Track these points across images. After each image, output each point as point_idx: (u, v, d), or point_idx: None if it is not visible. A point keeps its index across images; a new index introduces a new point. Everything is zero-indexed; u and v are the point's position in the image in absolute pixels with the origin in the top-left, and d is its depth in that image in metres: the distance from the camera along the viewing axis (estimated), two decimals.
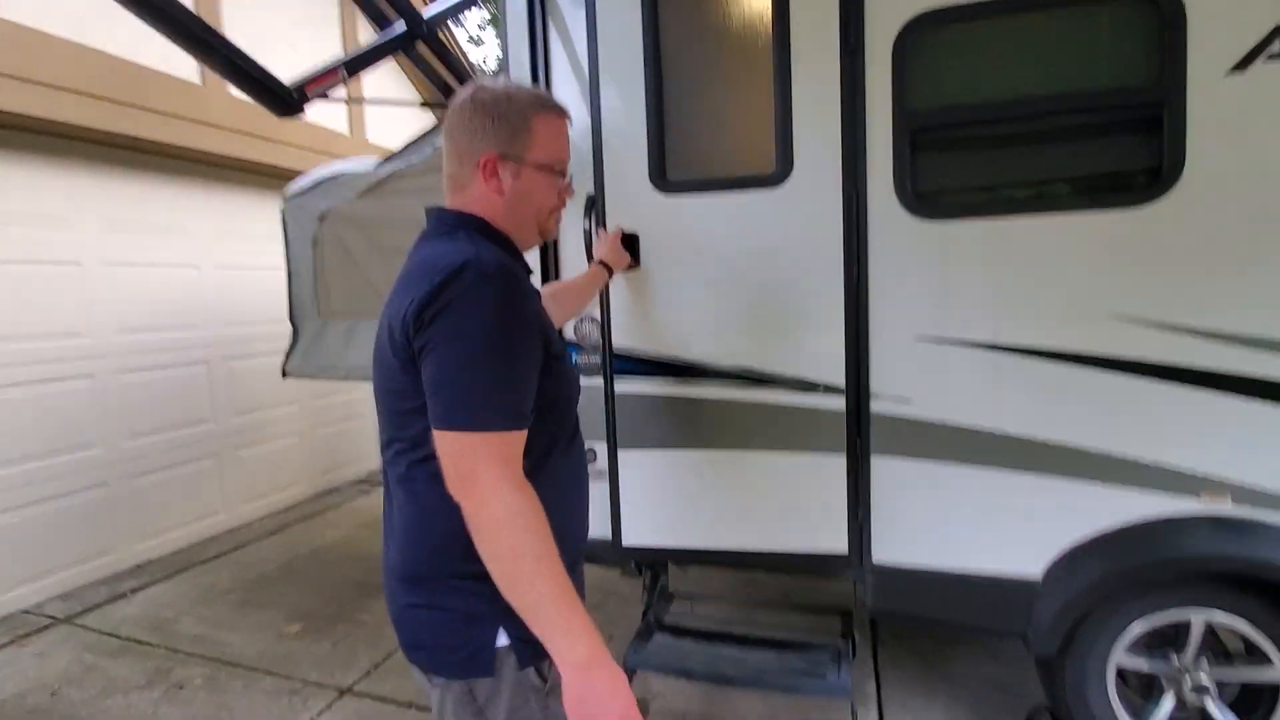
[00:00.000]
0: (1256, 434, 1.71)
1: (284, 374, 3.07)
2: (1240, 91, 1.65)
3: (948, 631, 2.71)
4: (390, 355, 0.99)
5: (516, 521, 0.91)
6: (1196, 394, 1.74)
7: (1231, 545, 1.75)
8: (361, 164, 3.06)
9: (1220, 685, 1.90)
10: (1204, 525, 1.77)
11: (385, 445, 1.07)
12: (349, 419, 5.32)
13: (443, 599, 1.01)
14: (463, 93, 1.07)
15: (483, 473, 0.92)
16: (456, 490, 0.93)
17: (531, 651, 1.00)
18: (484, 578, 0.93)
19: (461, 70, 1.58)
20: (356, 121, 5.01)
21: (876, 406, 1.98)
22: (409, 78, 5.48)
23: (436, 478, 0.95)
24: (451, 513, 0.94)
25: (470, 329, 0.93)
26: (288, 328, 3.08)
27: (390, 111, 5.27)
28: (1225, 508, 1.76)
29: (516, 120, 1.06)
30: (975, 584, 1.97)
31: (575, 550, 1.13)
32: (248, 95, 1.11)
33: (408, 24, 1.44)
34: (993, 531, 1.94)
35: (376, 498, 4.96)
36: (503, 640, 1.01)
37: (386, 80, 5.19)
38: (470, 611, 1.00)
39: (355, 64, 1.26)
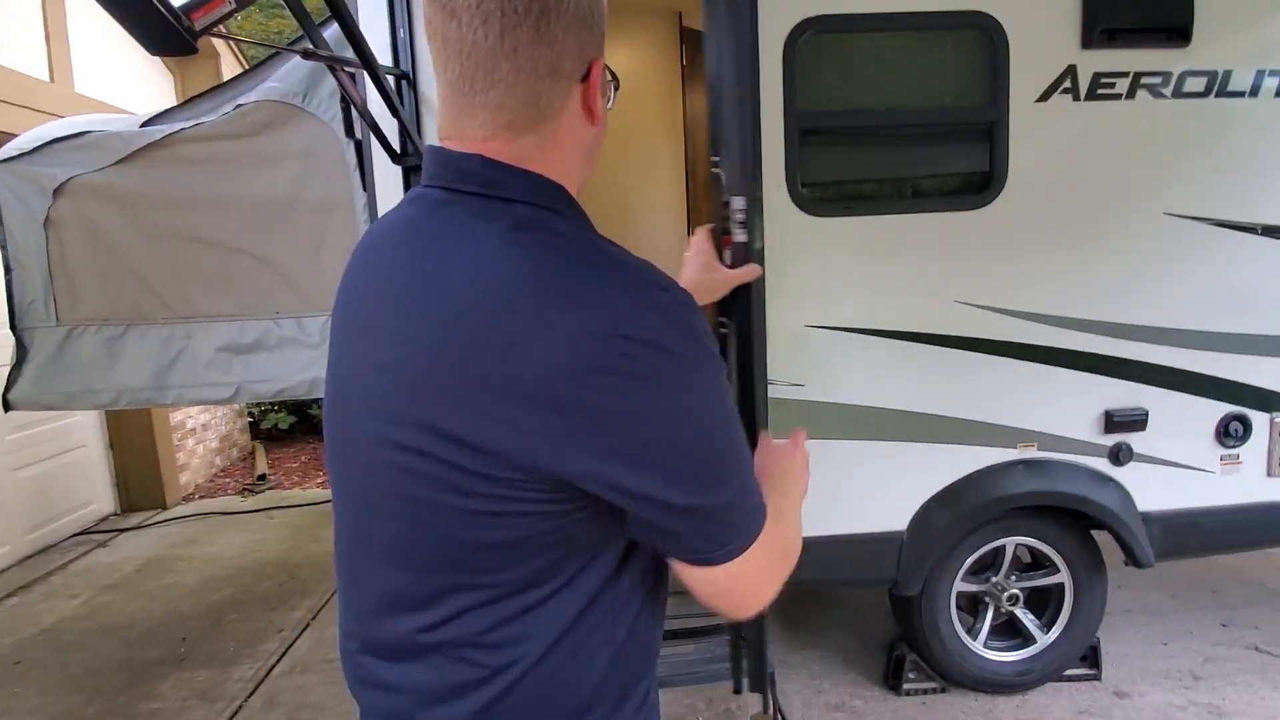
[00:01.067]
0: (1054, 392, 2.15)
1: (5, 406, 2.24)
2: (1044, 118, 2.03)
3: (826, 590, 2.99)
4: (460, 466, 0.54)
5: (787, 529, 0.67)
6: (1014, 363, 2.13)
7: (1036, 482, 2.19)
8: (115, 121, 2.35)
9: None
10: (1018, 468, 2.19)
11: (419, 603, 0.61)
12: (64, 451, 4.11)
13: None
14: None
15: (767, 581, 0.64)
16: (765, 593, 0.65)
17: None
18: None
19: (342, 8, 1.24)
20: (60, 64, 3.80)
21: (774, 392, 2.09)
22: None
23: (556, 623, 0.60)
24: (587, 667, 0.62)
25: (723, 406, 0.58)
26: None
27: (110, 56, 4.11)
28: (1033, 453, 2.19)
29: (597, 5, 0.62)
30: (857, 544, 2.19)
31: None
32: (123, 21, 0.73)
33: None
34: (869, 495, 2.18)
35: (117, 550, 3.94)
36: None
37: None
38: None
39: None
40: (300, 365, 2.26)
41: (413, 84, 2.00)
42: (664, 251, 4.15)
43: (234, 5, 0.96)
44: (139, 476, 4.47)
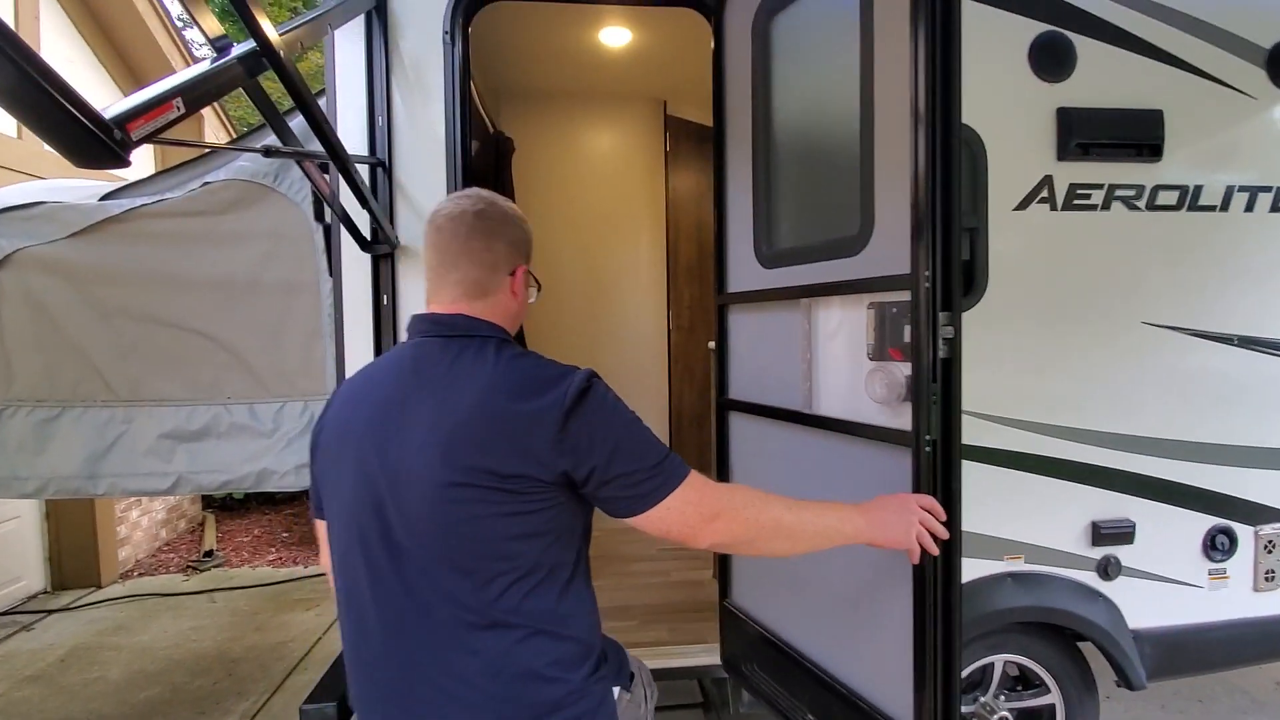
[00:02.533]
0: (1040, 502, 2.08)
1: None
2: (1022, 226, 2.04)
3: None
4: (490, 487, 0.95)
5: (754, 501, 1.08)
6: (999, 471, 2.07)
7: (1026, 597, 2.09)
8: (73, 188, 2.26)
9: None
10: (1007, 582, 2.09)
11: (474, 598, 0.97)
12: None
13: (584, 703, 1.03)
14: (486, 199, 1.11)
15: (713, 498, 1.04)
16: (703, 532, 1.03)
17: (623, 680, 1.16)
18: (600, 655, 1.09)
19: (310, 103, 1.18)
20: None
21: None
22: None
23: (561, 591, 1.02)
24: (572, 619, 1.03)
25: (626, 418, 1.02)
26: None
27: None
28: (1021, 566, 2.10)
29: (530, 234, 1.17)
30: None
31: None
32: (39, 133, 0.66)
33: (259, 42, 0.99)
34: None
35: (42, 635, 3.61)
36: (616, 689, 1.13)
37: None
38: (604, 691, 1.08)
39: (196, 93, 0.84)
40: (249, 455, 2.11)
41: (388, 171, 1.96)
42: (644, 329, 4.10)
43: (182, 110, 0.89)
44: (73, 551, 4.16)
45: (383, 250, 1.91)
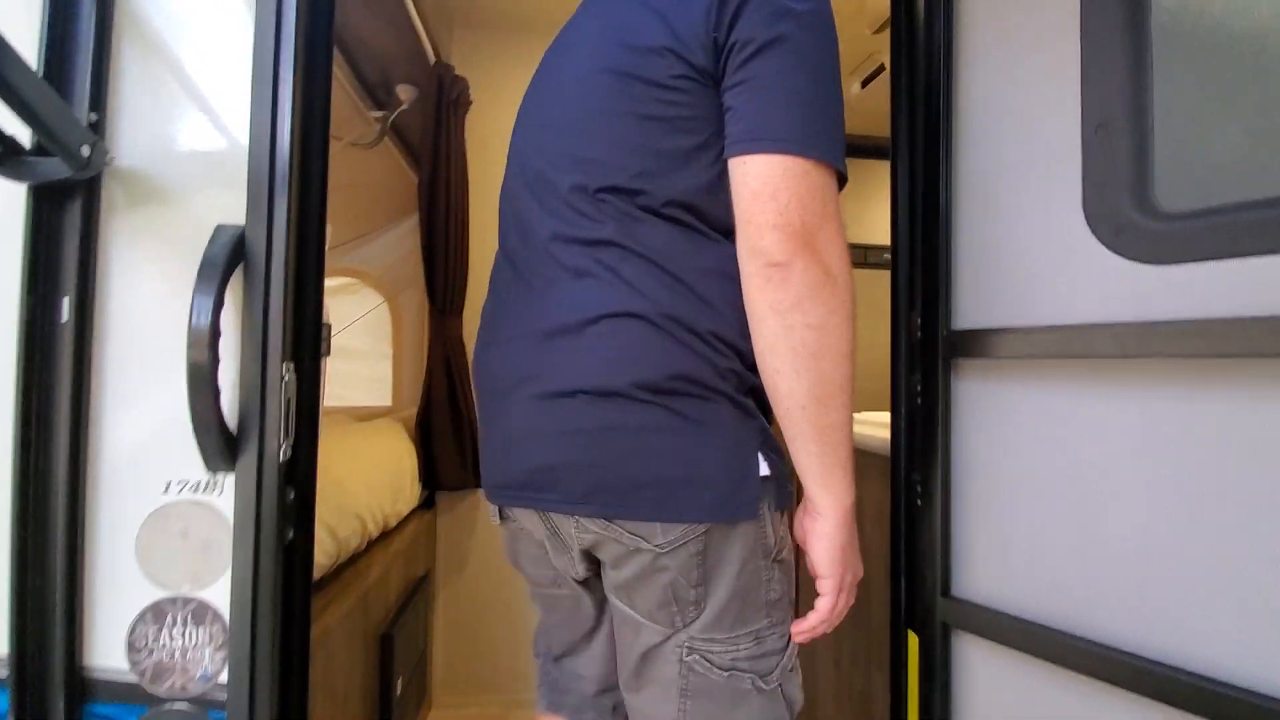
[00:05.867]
0: None
1: None
2: None
3: None
4: (650, 61, 0.64)
5: (851, 311, 0.61)
6: None
7: None
8: None
9: None
10: None
11: (600, 188, 0.66)
12: None
13: (709, 412, 0.64)
14: None
15: (832, 231, 0.60)
16: (784, 244, 0.58)
17: (786, 490, 0.69)
18: (756, 383, 0.66)
19: None
20: None
21: None
22: None
23: (711, 235, 0.66)
24: (735, 280, 0.64)
25: (819, 40, 0.62)
26: None
27: None
28: None
29: None
30: None
31: None
32: None
33: None
34: None
35: None
36: (765, 469, 0.66)
37: None
38: (743, 429, 0.65)
39: None
40: None
41: None
42: None
43: None
44: None
45: (57, 175, 0.72)
